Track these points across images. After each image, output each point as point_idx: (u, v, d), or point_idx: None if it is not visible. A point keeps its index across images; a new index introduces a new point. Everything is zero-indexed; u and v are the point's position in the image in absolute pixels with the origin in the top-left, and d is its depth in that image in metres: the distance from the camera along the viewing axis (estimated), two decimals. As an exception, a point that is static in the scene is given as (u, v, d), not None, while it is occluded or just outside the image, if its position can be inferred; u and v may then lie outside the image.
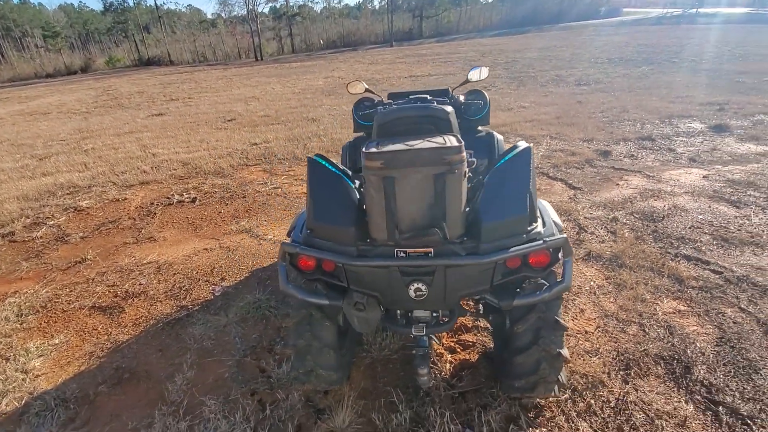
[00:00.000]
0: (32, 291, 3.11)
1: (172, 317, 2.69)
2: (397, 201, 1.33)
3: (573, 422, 1.78)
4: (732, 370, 1.99)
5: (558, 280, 1.49)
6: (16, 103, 15.32)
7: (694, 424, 1.74)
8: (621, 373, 2.02)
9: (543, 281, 1.55)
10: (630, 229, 3.32)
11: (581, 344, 2.20)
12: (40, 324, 2.74)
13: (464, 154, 1.31)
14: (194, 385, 2.14)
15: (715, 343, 2.15)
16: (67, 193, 5.08)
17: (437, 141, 1.38)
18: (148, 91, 14.99)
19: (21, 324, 2.74)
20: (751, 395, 1.85)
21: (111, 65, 31.78)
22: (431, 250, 1.42)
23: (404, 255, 1.44)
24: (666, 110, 6.77)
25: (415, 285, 1.46)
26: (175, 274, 3.20)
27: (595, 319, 2.39)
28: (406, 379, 2.08)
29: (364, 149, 1.38)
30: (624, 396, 1.89)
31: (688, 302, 2.46)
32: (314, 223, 1.55)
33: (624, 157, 4.97)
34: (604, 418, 1.80)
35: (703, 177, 4.22)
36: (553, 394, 1.71)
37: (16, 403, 2.11)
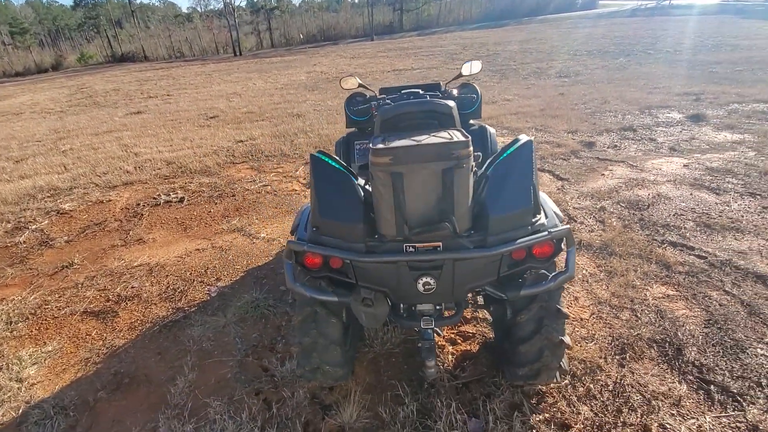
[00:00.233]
0: (20, 298, 3.02)
1: (169, 320, 2.66)
2: (406, 196, 1.35)
3: (574, 406, 1.84)
4: (721, 351, 2.08)
5: (561, 270, 1.53)
6: (-16, 104, 14.69)
7: (688, 403, 1.82)
8: (617, 357, 2.09)
9: (545, 271, 1.59)
10: (617, 218, 3.42)
11: (577, 331, 2.27)
12: (31, 331, 2.67)
13: (471, 148, 1.33)
14: (197, 387, 2.13)
15: (703, 326, 2.24)
16: (48, 196, 4.92)
17: (443, 136, 1.39)
18: (124, 89, 14.55)
19: (11, 332, 2.67)
20: (739, 373, 1.94)
21: (83, 62, 30.63)
22: (440, 244, 1.44)
23: (413, 250, 1.45)
24: (645, 101, 6.94)
25: (424, 279, 1.48)
26: (168, 275, 3.15)
27: (589, 306, 2.47)
28: (409, 372, 2.11)
29: (371, 145, 1.39)
30: (621, 379, 1.96)
31: (676, 287, 2.56)
32: (320, 221, 1.54)
33: (608, 147, 5.09)
34: (603, 401, 1.86)
35: (684, 165, 4.36)
36: (555, 380, 1.77)
37: (13, 413, 2.06)
